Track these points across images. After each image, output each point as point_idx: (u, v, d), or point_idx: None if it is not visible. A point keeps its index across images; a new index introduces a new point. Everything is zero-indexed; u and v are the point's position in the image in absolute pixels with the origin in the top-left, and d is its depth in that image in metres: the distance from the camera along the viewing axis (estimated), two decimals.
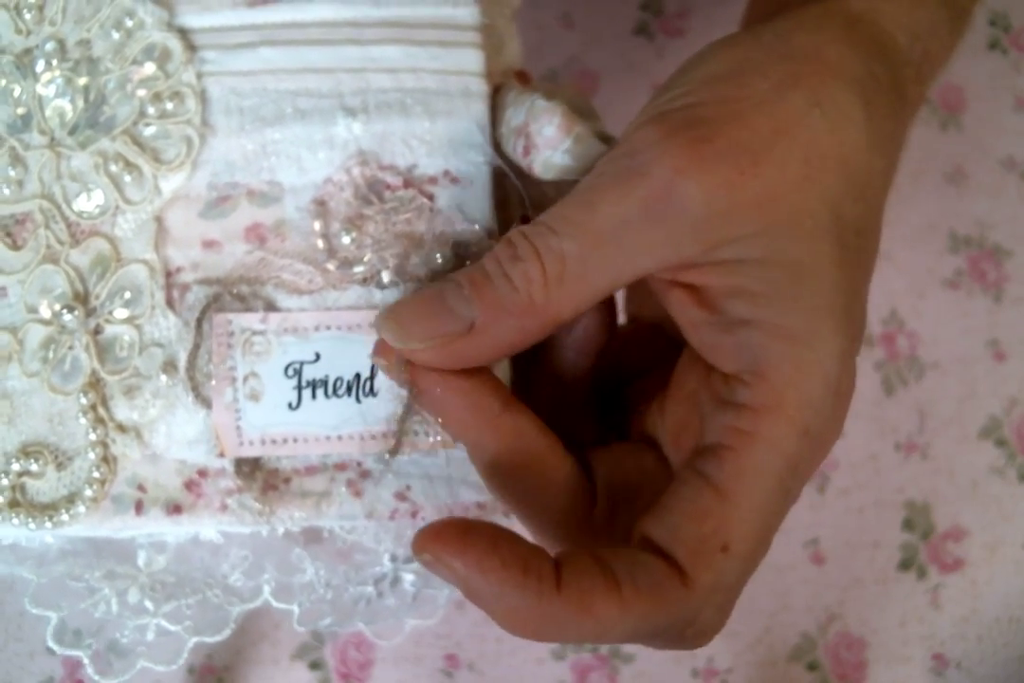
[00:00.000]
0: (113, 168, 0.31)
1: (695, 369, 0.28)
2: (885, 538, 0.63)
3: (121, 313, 0.30)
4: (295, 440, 0.30)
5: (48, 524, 0.29)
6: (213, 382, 0.30)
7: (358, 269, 0.31)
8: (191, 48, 0.31)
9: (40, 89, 0.31)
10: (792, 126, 0.26)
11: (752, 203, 0.25)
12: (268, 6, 0.32)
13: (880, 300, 0.64)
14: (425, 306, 0.27)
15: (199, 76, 0.31)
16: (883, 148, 0.27)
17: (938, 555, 0.63)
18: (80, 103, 0.31)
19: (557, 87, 0.35)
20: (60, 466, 0.29)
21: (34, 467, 0.29)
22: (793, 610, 0.61)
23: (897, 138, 0.29)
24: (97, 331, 0.30)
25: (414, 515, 0.30)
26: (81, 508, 0.29)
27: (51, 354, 0.30)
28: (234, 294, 0.30)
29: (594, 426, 0.31)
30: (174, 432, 0.30)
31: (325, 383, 0.30)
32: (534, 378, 0.31)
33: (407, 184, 0.32)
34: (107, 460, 0.29)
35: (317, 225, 0.31)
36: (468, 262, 0.31)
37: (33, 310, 0.30)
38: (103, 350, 0.30)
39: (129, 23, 0.31)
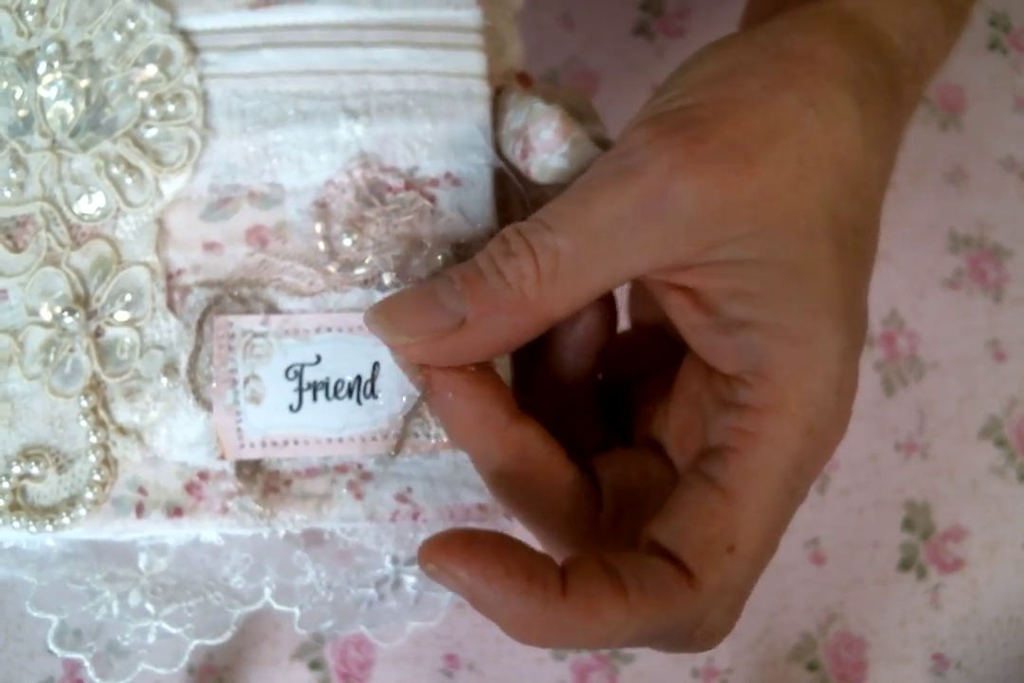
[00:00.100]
0: (114, 170, 0.31)
1: (697, 371, 0.28)
2: (885, 538, 0.63)
3: (122, 315, 0.30)
4: (296, 442, 0.30)
5: (49, 527, 0.29)
6: (214, 384, 0.30)
7: (359, 271, 0.31)
8: (193, 50, 0.31)
9: (42, 91, 0.31)
10: (786, 126, 0.26)
11: (747, 203, 0.25)
12: (270, 8, 0.32)
13: (880, 300, 0.64)
14: (416, 301, 0.27)
15: (201, 78, 0.31)
16: (879, 147, 0.27)
17: (938, 555, 0.63)
18: (81, 105, 0.31)
19: (558, 89, 0.35)
20: (61, 469, 0.29)
21: (35, 470, 0.29)
22: (793, 610, 0.61)
23: (893, 137, 0.29)
24: (98, 334, 0.30)
25: (415, 517, 0.30)
26: (82, 511, 0.29)
27: (52, 357, 0.30)
28: (235, 296, 0.30)
29: (597, 429, 0.31)
30: (175, 434, 0.30)
31: (326, 385, 0.30)
32: (535, 379, 0.31)
33: (408, 186, 0.32)
34: (108, 463, 0.29)
35: (318, 227, 0.31)
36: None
37: (34, 313, 0.30)
38: (104, 353, 0.30)
39: (131, 25, 0.31)
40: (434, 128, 0.32)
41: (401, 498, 0.30)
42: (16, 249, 0.31)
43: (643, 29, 0.68)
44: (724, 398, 0.26)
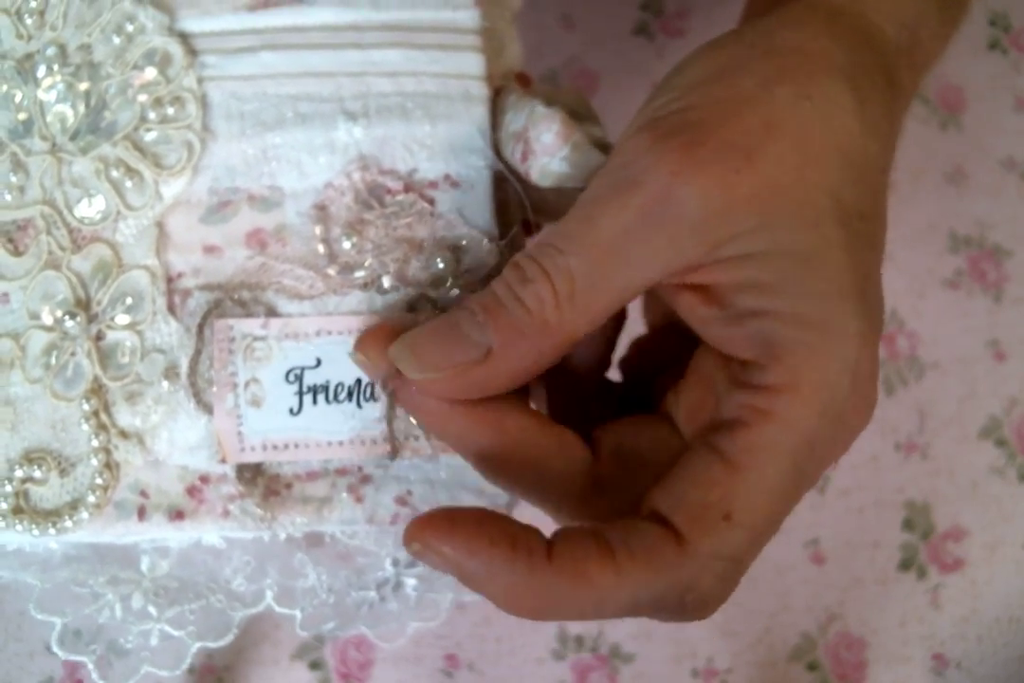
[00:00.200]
0: (114, 174, 0.31)
1: (711, 355, 0.28)
2: (885, 538, 0.63)
3: (123, 319, 0.30)
4: (296, 445, 0.30)
5: (52, 530, 0.29)
6: (214, 388, 0.30)
7: (359, 274, 0.31)
8: (192, 53, 0.31)
9: (41, 94, 0.31)
10: (783, 120, 0.26)
11: (750, 199, 0.25)
12: (268, 10, 0.32)
13: None
14: (440, 334, 0.27)
15: (200, 81, 0.31)
16: (877, 132, 0.27)
17: (938, 555, 0.63)
18: (81, 108, 0.31)
19: (558, 91, 0.35)
20: (63, 472, 0.30)
21: (37, 473, 0.29)
22: (793, 610, 0.61)
23: (893, 123, 0.29)
24: (99, 337, 0.30)
25: None
26: (84, 514, 0.29)
27: (53, 360, 0.30)
28: (235, 299, 0.30)
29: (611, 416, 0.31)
30: (176, 438, 0.30)
31: (326, 388, 0.30)
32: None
33: (408, 188, 0.32)
34: (110, 466, 0.30)
35: (318, 230, 0.31)
36: (464, 266, 0.31)
37: (35, 316, 0.30)
38: (105, 356, 0.30)
39: (130, 28, 0.31)
40: (433, 130, 0.32)
41: (401, 501, 0.30)
42: (17, 253, 0.31)
43: (643, 29, 0.68)
44: (738, 378, 0.26)
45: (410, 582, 0.32)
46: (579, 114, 0.33)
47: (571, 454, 0.28)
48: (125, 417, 0.30)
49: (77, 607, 0.30)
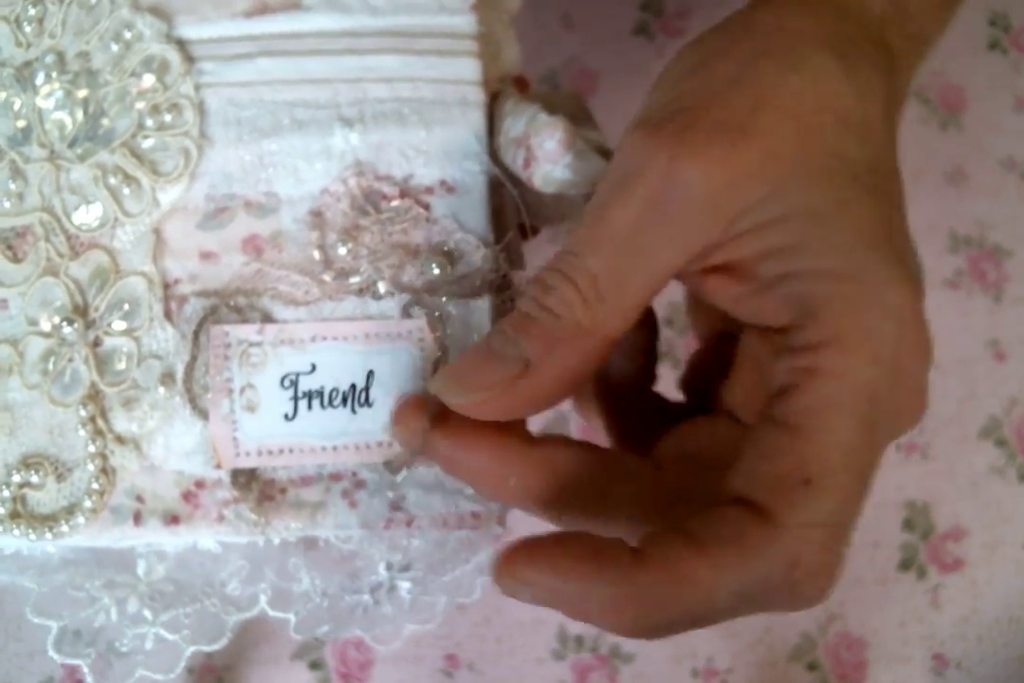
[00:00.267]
0: (112, 180, 0.31)
1: (753, 337, 0.28)
2: (885, 538, 0.63)
3: (120, 325, 0.30)
4: (291, 451, 0.30)
5: (48, 535, 0.29)
6: (210, 394, 0.30)
7: (354, 280, 0.31)
8: (189, 59, 0.32)
9: (40, 102, 0.31)
10: (772, 93, 0.25)
11: (753, 170, 0.25)
12: (265, 16, 0.32)
13: None
14: (473, 358, 0.27)
15: (197, 88, 0.32)
16: (872, 94, 0.27)
17: (938, 555, 0.63)
18: (79, 116, 0.31)
19: (554, 94, 0.35)
20: (60, 477, 0.30)
21: (35, 478, 0.30)
22: None
23: (892, 87, 0.28)
24: (96, 343, 0.30)
25: (409, 525, 0.30)
26: (80, 519, 0.29)
27: (51, 366, 0.30)
28: (231, 306, 0.30)
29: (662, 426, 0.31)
30: (172, 443, 0.30)
31: (321, 394, 0.30)
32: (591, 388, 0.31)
33: (403, 194, 0.32)
34: (106, 471, 0.30)
35: (314, 236, 0.31)
36: (459, 271, 0.31)
37: (33, 323, 0.30)
38: (102, 362, 0.30)
39: (128, 35, 0.32)
40: (429, 135, 0.32)
41: (395, 506, 0.30)
42: (16, 259, 0.31)
43: (643, 29, 0.68)
44: (780, 346, 0.25)
45: (404, 585, 0.33)
46: (577, 118, 0.33)
47: (631, 473, 0.28)
48: (122, 422, 0.30)
49: (73, 611, 0.30)
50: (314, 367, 0.30)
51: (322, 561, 0.31)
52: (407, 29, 0.33)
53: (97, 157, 0.31)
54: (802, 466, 0.23)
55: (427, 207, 0.32)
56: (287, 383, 0.30)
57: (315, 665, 0.59)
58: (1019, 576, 0.63)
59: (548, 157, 0.31)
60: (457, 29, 0.33)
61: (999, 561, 0.63)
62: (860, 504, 0.24)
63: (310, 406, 0.30)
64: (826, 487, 0.23)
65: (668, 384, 0.33)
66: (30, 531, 0.29)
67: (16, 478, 0.30)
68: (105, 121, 0.31)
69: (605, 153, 0.32)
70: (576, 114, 0.34)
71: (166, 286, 0.31)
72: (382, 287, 0.31)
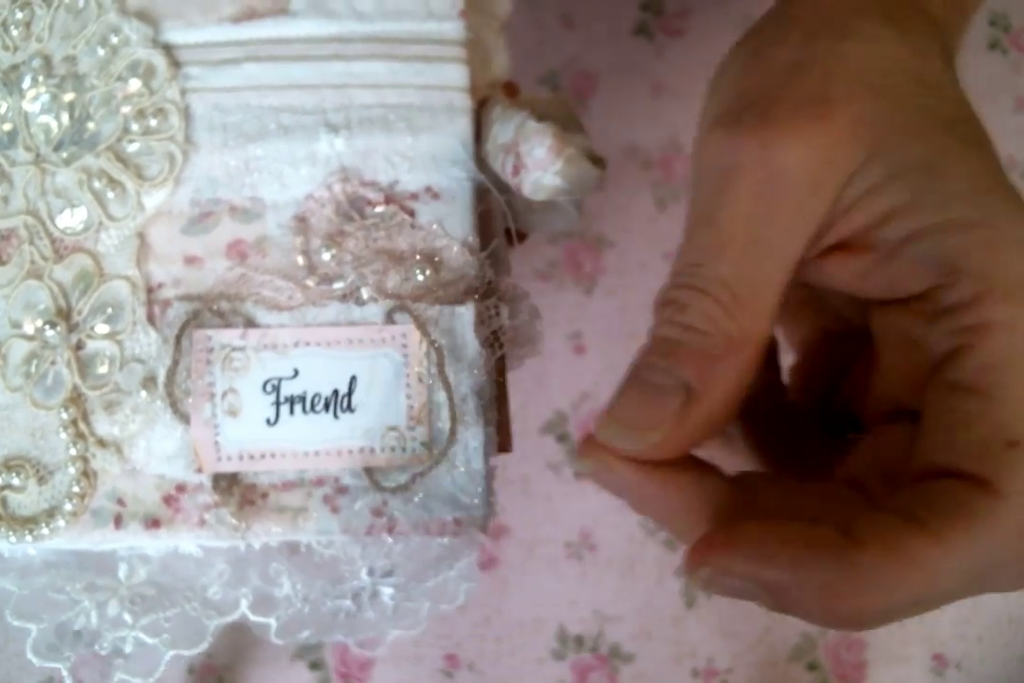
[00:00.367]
0: (97, 184, 0.31)
1: (890, 317, 0.26)
2: None
3: (103, 329, 0.30)
4: (272, 455, 0.30)
5: (28, 537, 0.29)
6: (192, 398, 0.30)
7: (338, 285, 0.31)
8: (175, 64, 0.32)
9: (26, 105, 0.31)
10: (839, 65, 0.25)
11: (845, 138, 0.24)
12: (252, 22, 0.32)
13: None
14: (633, 397, 0.25)
15: (183, 92, 0.32)
16: (930, 54, 0.26)
17: None
18: (65, 119, 0.31)
19: (542, 100, 0.35)
20: (41, 480, 0.30)
21: (16, 481, 0.30)
22: None
23: (944, 49, 0.27)
24: (79, 346, 0.30)
25: (390, 530, 0.30)
26: (61, 522, 0.29)
27: (34, 369, 0.30)
28: (214, 310, 0.30)
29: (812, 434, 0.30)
30: (153, 447, 0.30)
31: (303, 399, 0.30)
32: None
33: (388, 200, 0.32)
34: (87, 475, 0.30)
35: (298, 241, 0.31)
36: (444, 277, 0.31)
37: (17, 325, 0.30)
38: (84, 365, 0.30)
39: (114, 39, 0.32)
40: (415, 142, 0.32)
41: (376, 512, 0.30)
42: (0, 262, 0.31)
43: (643, 29, 0.68)
44: (932, 313, 0.24)
45: (386, 591, 0.33)
46: (566, 124, 0.33)
47: (829, 494, 0.25)
48: (103, 426, 0.30)
49: (53, 614, 0.30)
50: (297, 372, 0.30)
51: (304, 566, 0.31)
52: (394, 35, 0.33)
53: (82, 161, 0.31)
54: (1003, 428, 0.22)
55: (412, 213, 0.32)
56: (269, 388, 0.30)
57: (315, 665, 0.59)
58: None
59: (538, 164, 0.31)
60: (445, 35, 0.33)
61: None
62: None
63: (292, 411, 0.30)
64: None
65: None
66: (10, 533, 0.29)
67: None
68: (91, 125, 0.31)
69: (595, 159, 0.32)
70: (565, 120, 0.34)
71: (150, 290, 0.31)
72: (366, 293, 0.31)
